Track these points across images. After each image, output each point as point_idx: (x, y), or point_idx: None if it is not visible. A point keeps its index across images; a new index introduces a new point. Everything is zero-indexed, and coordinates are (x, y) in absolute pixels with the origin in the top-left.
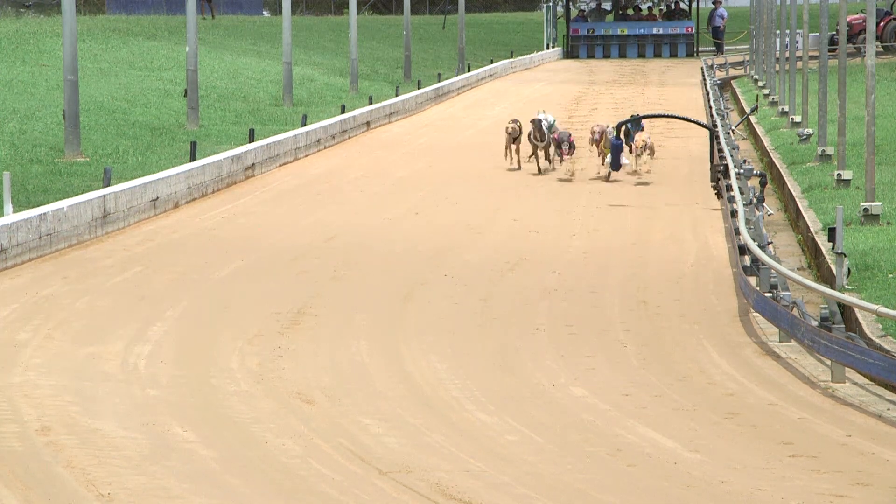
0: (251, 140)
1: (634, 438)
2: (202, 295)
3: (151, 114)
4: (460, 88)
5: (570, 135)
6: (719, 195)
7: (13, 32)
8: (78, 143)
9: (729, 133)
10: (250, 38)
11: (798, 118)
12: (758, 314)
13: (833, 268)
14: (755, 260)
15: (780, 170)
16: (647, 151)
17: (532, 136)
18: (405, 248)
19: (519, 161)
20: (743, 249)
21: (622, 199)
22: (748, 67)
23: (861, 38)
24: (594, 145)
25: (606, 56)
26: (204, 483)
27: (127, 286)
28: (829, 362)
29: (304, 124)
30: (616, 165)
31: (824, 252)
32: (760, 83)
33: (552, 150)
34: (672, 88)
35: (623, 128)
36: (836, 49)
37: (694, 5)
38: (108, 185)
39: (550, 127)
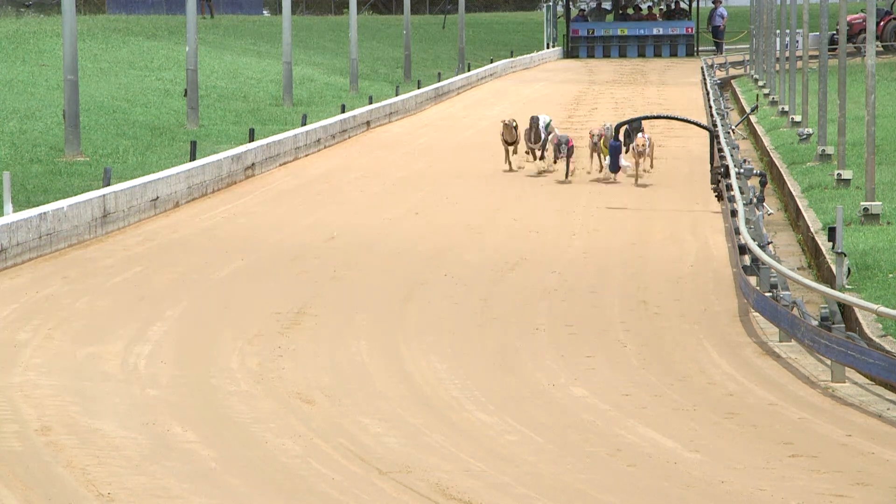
0: (251, 140)
1: (634, 438)
2: (202, 295)
3: (151, 114)
4: (460, 88)
5: (570, 139)
6: (720, 198)
7: (13, 32)
8: (78, 143)
9: (729, 132)
10: (250, 37)
11: (798, 118)
12: (758, 314)
13: (833, 267)
14: (755, 259)
15: (780, 169)
16: (647, 154)
17: (527, 136)
18: (405, 248)
19: (510, 162)
20: (743, 249)
21: (622, 199)
22: (748, 67)
23: (861, 38)
24: (594, 152)
25: (606, 56)
26: (204, 483)
27: (127, 286)
28: (829, 362)
29: (304, 124)
30: (615, 167)
31: (824, 252)
32: (760, 83)
33: (549, 152)
34: (672, 88)
35: (623, 129)
36: (836, 49)
37: (694, 5)
38: (108, 184)
39: (547, 127)
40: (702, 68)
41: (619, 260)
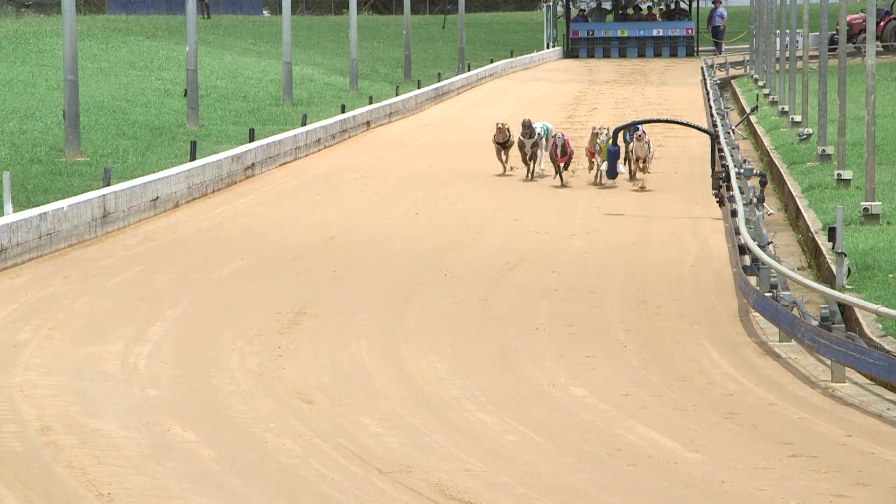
0: (251, 140)
1: (634, 438)
2: (202, 295)
3: (151, 114)
4: (460, 88)
5: (567, 141)
6: (721, 203)
7: (13, 32)
8: (78, 143)
9: (729, 133)
10: (250, 37)
11: (798, 118)
12: (758, 314)
13: (833, 267)
14: (755, 259)
15: (780, 169)
16: (647, 159)
17: (520, 145)
18: (405, 248)
19: (505, 165)
20: (743, 249)
21: (622, 199)
22: (748, 67)
23: (861, 38)
24: (592, 157)
25: (606, 56)
26: (204, 483)
27: (127, 286)
28: (829, 362)
29: (304, 124)
30: (612, 173)
31: (824, 252)
32: (760, 83)
33: (542, 154)
34: (672, 88)
35: (621, 133)
36: (836, 49)
37: (694, 5)
38: (108, 184)
39: (546, 134)
40: (702, 68)
41: (619, 260)
